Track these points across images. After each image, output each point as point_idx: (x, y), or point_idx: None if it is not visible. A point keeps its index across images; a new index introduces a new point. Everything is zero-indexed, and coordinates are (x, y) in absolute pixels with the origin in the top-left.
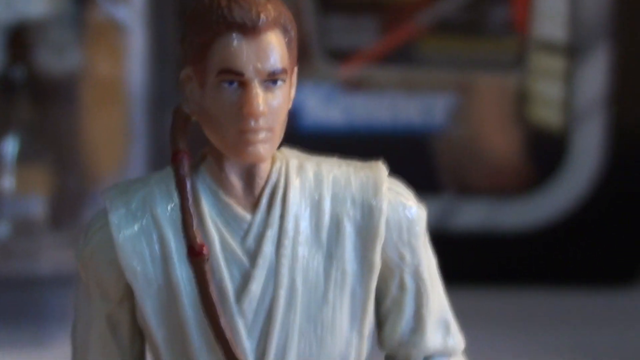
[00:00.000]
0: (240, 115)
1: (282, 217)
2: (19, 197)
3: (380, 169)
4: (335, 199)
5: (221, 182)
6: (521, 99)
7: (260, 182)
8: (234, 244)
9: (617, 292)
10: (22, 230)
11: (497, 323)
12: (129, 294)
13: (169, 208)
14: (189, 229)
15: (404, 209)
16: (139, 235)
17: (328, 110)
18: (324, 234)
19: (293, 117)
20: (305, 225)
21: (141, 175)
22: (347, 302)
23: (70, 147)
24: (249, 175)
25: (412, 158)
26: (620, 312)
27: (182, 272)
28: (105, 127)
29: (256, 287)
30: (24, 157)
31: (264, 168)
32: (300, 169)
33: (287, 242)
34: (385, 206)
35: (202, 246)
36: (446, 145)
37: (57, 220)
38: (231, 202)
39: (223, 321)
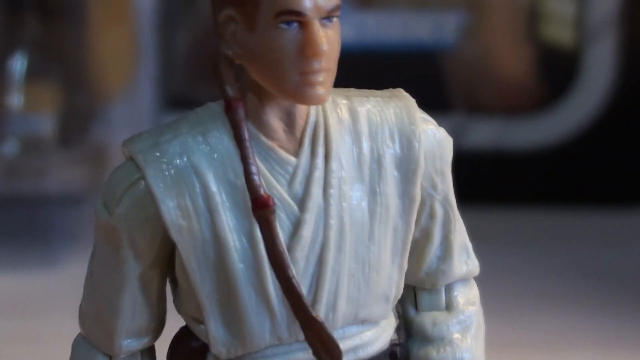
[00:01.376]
0: (302, 57)
1: (327, 157)
2: (27, 115)
3: (408, 97)
4: (372, 133)
5: (262, 125)
6: (533, 17)
7: (301, 122)
8: (282, 189)
9: (627, 212)
10: (30, 148)
11: (505, 242)
12: (161, 253)
13: (208, 157)
14: (253, 180)
15: (434, 136)
16: (181, 188)
17: None
18: (366, 170)
19: None
20: (348, 163)
21: (164, 123)
22: (390, 238)
23: (79, 64)
24: (290, 116)
25: (423, 76)
26: (630, 232)
27: (229, 224)
28: (114, 44)
29: (307, 232)
30: (32, 75)
31: (303, 108)
32: (334, 104)
33: (335, 182)
34: (423, 137)
35: (268, 197)
36: (457, 63)
37: (65, 138)
38: (274, 145)
39: (292, 274)
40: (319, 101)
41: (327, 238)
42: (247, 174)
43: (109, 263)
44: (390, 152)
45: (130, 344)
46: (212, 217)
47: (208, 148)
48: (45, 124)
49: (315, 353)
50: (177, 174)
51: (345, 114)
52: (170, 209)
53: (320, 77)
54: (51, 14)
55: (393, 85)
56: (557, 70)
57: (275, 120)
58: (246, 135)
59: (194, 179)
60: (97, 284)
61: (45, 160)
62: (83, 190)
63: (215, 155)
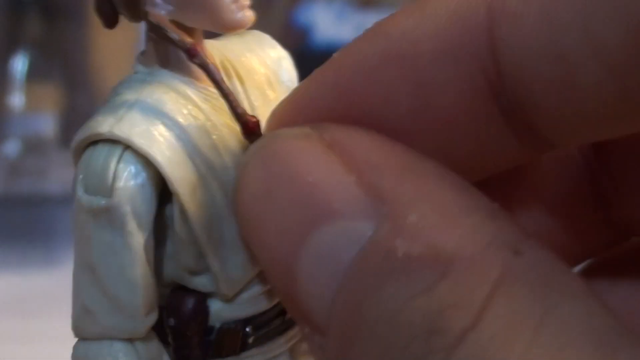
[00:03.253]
0: None
1: (243, 85)
2: (28, 115)
3: (252, 30)
4: (251, 62)
5: (190, 72)
6: None
7: (214, 62)
8: (227, 121)
9: None
10: (31, 148)
11: None
12: (153, 217)
13: (167, 110)
14: (239, 107)
15: (284, 52)
16: (162, 144)
17: (340, 27)
18: (267, 91)
19: (305, 34)
20: (257, 90)
21: (98, 110)
22: None
23: (80, 64)
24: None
25: None
26: None
27: (205, 164)
28: (115, 45)
29: None
30: (34, 75)
31: (209, 51)
32: (212, 46)
33: (257, 104)
34: (285, 54)
35: (253, 117)
36: None
37: (66, 138)
38: (206, 85)
39: None
40: (250, 22)
41: None
42: (231, 103)
43: (115, 246)
44: (270, 72)
45: (151, 318)
46: (192, 162)
47: (163, 104)
48: (47, 124)
49: None
50: (154, 133)
51: (222, 49)
52: (165, 163)
53: (247, 0)
54: (52, 14)
55: None
56: None
57: (195, 66)
58: (216, 71)
59: (166, 132)
60: (105, 274)
61: (47, 160)
62: None
63: (172, 107)
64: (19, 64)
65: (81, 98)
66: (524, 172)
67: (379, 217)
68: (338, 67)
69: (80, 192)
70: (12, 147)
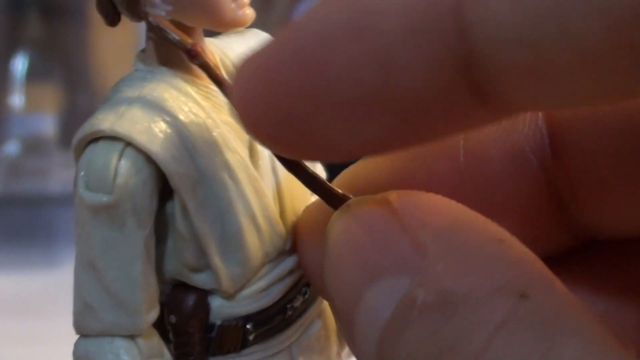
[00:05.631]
0: None
1: None
2: (28, 115)
3: (254, 30)
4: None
5: (190, 70)
6: None
7: (213, 60)
8: (228, 119)
9: None
10: (32, 149)
11: None
12: (153, 213)
13: (168, 108)
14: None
15: None
16: (164, 141)
17: None
18: None
19: None
20: None
21: (101, 107)
22: None
23: (80, 64)
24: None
25: None
26: None
27: (207, 162)
28: (115, 44)
29: (259, 146)
30: (34, 75)
31: (208, 49)
32: (214, 45)
33: None
34: None
35: None
36: None
37: (66, 138)
38: (206, 84)
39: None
40: (250, 20)
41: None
42: (233, 100)
43: (115, 243)
44: None
45: (152, 314)
46: (193, 159)
47: (164, 101)
48: (47, 124)
49: None
50: (155, 129)
51: (229, 49)
52: (166, 161)
53: None
54: (53, 14)
55: None
56: None
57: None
58: (217, 69)
59: (167, 129)
60: (106, 271)
61: (47, 161)
62: None
63: (172, 104)
64: (19, 64)
65: (81, 98)
66: (481, 179)
67: (417, 271)
68: (301, 34)
69: (81, 188)
70: (12, 147)
